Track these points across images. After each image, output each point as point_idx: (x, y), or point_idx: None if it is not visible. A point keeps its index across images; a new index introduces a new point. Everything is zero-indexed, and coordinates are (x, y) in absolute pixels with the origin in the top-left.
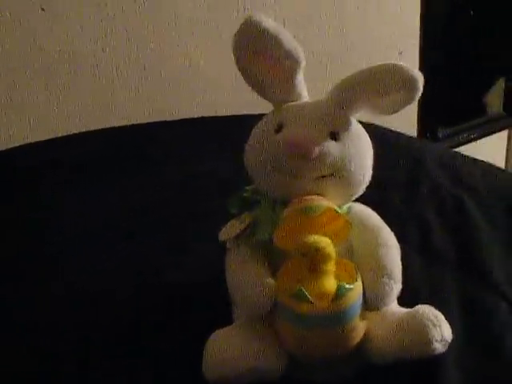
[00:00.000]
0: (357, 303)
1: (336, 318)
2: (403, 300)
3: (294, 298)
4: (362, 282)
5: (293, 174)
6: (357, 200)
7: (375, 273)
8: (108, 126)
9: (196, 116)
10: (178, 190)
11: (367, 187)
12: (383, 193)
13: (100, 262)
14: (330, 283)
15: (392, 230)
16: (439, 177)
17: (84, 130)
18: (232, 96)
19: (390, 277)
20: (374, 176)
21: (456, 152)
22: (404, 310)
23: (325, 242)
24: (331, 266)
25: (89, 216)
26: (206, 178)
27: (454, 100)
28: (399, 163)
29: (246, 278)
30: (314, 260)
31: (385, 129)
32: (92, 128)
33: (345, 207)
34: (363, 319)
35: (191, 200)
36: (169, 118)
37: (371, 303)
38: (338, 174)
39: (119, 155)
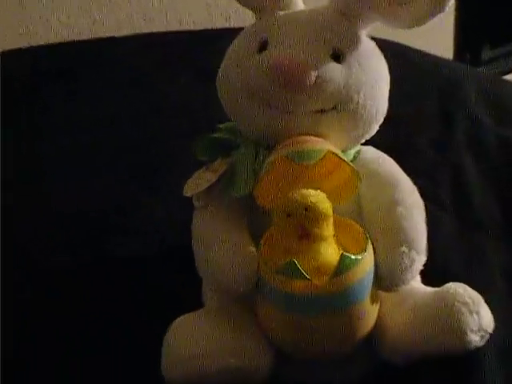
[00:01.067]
0: (366, 280)
1: (338, 299)
2: (429, 277)
3: (282, 273)
4: (374, 252)
5: (281, 107)
6: (367, 143)
7: (391, 240)
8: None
9: (154, 30)
10: (132, 127)
11: (382, 125)
12: (404, 133)
13: None
14: (329, 253)
15: (415, 183)
16: (480, 111)
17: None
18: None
19: (410, 246)
20: (390, 110)
21: (503, 79)
22: (429, 289)
23: (316, 196)
24: (328, 230)
25: None
26: (165, 113)
27: (504, 14)
28: (426, 93)
29: (220, 246)
30: (302, 222)
31: (407, 47)
32: None
33: (351, 152)
34: (374, 302)
35: (146, 141)
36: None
37: (385, 280)
38: (343, 107)
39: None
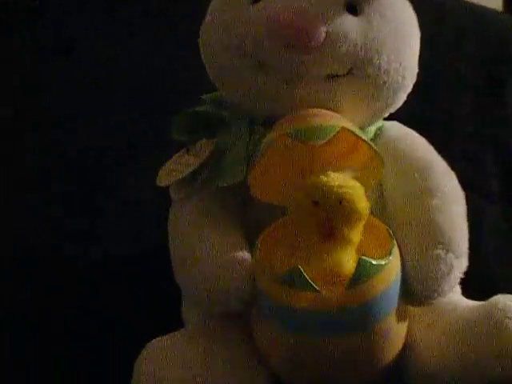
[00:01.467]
0: (391, 292)
1: (356, 316)
2: (471, 287)
3: (284, 282)
4: (401, 256)
5: (283, 71)
6: (392, 117)
7: (423, 240)
8: None
9: None
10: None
11: (410, 95)
12: (438, 104)
13: None
14: (347, 258)
15: (453, 167)
16: None
17: None
18: None
19: (447, 247)
20: (421, 75)
21: None
22: (472, 303)
23: (355, 189)
24: (357, 234)
25: None
26: (139, 81)
27: None
28: (468, 53)
29: (205, 249)
30: (332, 217)
31: None
32: None
33: (372, 129)
34: (402, 319)
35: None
36: None
37: (416, 292)
38: (360, 71)
39: None
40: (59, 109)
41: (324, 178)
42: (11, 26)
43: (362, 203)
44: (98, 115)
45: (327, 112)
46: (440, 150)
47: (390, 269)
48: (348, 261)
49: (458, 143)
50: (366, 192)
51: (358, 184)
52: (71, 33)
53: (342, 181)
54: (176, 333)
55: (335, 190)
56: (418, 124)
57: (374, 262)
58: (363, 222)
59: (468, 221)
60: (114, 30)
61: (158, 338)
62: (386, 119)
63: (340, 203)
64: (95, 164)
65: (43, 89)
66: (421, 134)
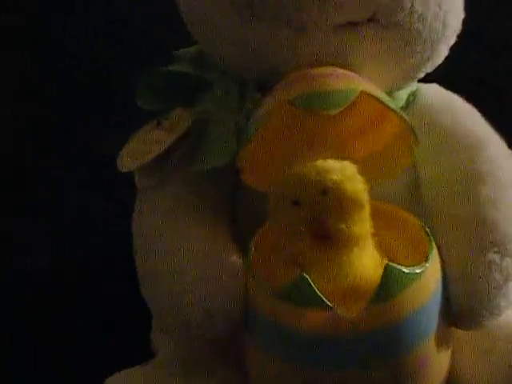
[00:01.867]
0: (429, 309)
1: (382, 342)
2: None
3: (285, 297)
4: (442, 262)
5: (285, 18)
6: (429, 79)
7: (471, 242)
8: None
9: None
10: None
11: (454, 48)
12: (491, 61)
13: None
14: (365, 265)
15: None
16: None
17: None
18: None
19: (504, 251)
20: (470, 23)
21: None
22: None
23: (341, 171)
24: (361, 227)
25: None
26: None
27: None
28: None
29: (182, 255)
30: (318, 215)
31: None
32: None
33: (402, 95)
34: (444, 346)
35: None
36: None
37: (464, 309)
38: (386, 16)
39: None
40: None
41: (300, 169)
42: None
43: (356, 185)
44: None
45: (343, 71)
46: (495, 123)
47: (428, 279)
48: (359, 264)
49: None
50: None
51: (345, 164)
52: None
53: (322, 165)
54: (144, 364)
55: (313, 178)
56: (465, 87)
57: (405, 270)
58: (366, 209)
59: None
60: None
61: (122, 372)
62: (421, 81)
63: (324, 194)
64: None
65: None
66: (469, 102)
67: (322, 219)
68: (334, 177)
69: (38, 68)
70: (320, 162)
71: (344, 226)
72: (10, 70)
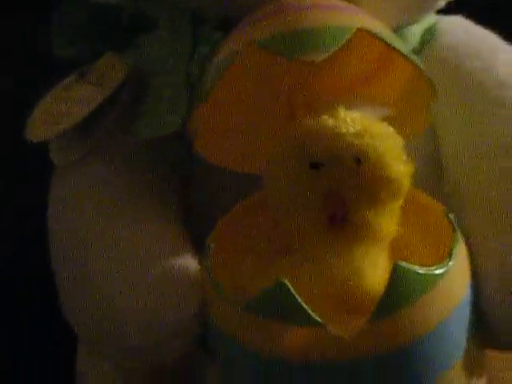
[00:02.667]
0: (456, 323)
1: (392, 370)
2: None
3: (260, 311)
4: (472, 262)
5: None
6: (449, 9)
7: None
8: None
9: None
10: None
11: None
12: None
13: None
14: (373, 264)
15: None
16: None
17: None
18: None
19: None
20: None
21: None
22: None
23: (382, 133)
24: (390, 218)
25: None
26: None
27: None
28: None
29: (117, 255)
30: (347, 192)
31: None
32: None
33: (416, 31)
34: (476, 372)
35: None
36: None
37: (505, 324)
38: None
39: None
40: None
41: (327, 120)
42: None
43: (399, 164)
44: None
45: (333, 1)
46: None
47: (452, 283)
48: (376, 270)
49: None
50: (406, 145)
51: (390, 130)
52: None
53: (360, 124)
54: None
55: (348, 140)
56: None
57: (420, 271)
58: (401, 199)
59: None
60: None
61: None
62: (441, 12)
63: (358, 164)
64: None
65: None
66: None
67: (342, 196)
68: (376, 144)
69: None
70: (361, 120)
71: (370, 215)
72: None
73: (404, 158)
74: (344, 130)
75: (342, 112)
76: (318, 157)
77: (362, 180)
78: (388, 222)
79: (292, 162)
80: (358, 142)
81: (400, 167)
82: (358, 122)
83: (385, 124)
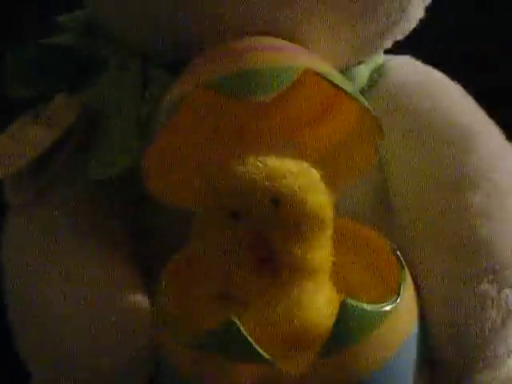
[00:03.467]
0: (403, 360)
1: None
2: None
3: (211, 348)
4: (420, 297)
5: None
6: (400, 50)
7: (458, 268)
8: None
9: None
10: None
11: (434, 9)
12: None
13: None
14: (320, 304)
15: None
16: None
17: None
18: None
19: (502, 280)
20: None
21: None
22: None
23: (300, 173)
24: (320, 251)
25: None
26: None
27: None
28: None
29: (65, 293)
30: (263, 233)
31: None
32: None
33: (363, 71)
34: None
35: None
36: None
37: (450, 360)
38: None
39: None
40: None
41: (237, 168)
42: None
43: (316, 196)
44: None
45: (281, 42)
46: (492, 111)
47: (399, 320)
48: (318, 304)
49: None
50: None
51: (304, 166)
52: None
53: (271, 166)
54: None
55: (261, 182)
56: (453, 61)
57: (367, 308)
58: (327, 232)
59: None
60: None
61: None
62: (389, 52)
63: (276, 205)
64: None
65: None
66: (456, 80)
67: (268, 238)
68: (290, 182)
69: None
70: (271, 161)
71: (297, 251)
72: None
73: (323, 188)
74: (255, 176)
75: (251, 157)
76: (236, 206)
77: (283, 219)
78: (320, 254)
79: (214, 213)
80: (271, 184)
81: (319, 199)
82: (269, 164)
83: (298, 161)
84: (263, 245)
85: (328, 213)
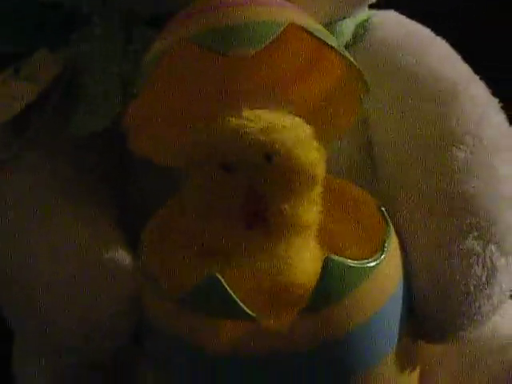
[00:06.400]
0: (388, 316)
1: (324, 362)
2: None
3: (193, 305)
4: (405, 254)
5: None
6: (387, 4)
7: (443, 225)
8: None
9: None
10: None
11: None
12: None
13: None
14: (301, 258)
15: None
16: None
17: None
18: None
19: (486, 235)
20: None
21: None
22: None
23: (293, 128)
24: (310, 211)
25: None
26: None
27: None
28: None
29: (49, 250)
30: (255, 188)
31: None
32: None
33: (348, 25)
34: (407, 366)
35: None
36: None
37: (434, 317)
38: None
39: None
40: None
41: (231, 121)
42: None
43: (309, 153)
44: None
45: None
46: (476, 64)
47: (384, 276)
48: (303, 261)
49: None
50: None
51: (296, 120)
52: None
53: (265, 120)
54: None
55: (255, 137)
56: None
57: (351, 264)
58: (317, 189)
59: None
60: None
61: None
62: (374, 7)
63: (269, 160)
64: None
65: None
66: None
67: (259, 193)
68: (285, 137)
69: None
70: (264, 114)
71: (287, 207)
72: None
73: (315, 145)
74: (248, 129)
75: (245, 110)
76: (229, 159)
77: (275, 174)
78: (308, 211)
79: (205, 167)
80: (264, 138)
81: (311, 155)
82: (263, 118)
83: (291, 115)
84: (254, 199)
85: (319, 169)
